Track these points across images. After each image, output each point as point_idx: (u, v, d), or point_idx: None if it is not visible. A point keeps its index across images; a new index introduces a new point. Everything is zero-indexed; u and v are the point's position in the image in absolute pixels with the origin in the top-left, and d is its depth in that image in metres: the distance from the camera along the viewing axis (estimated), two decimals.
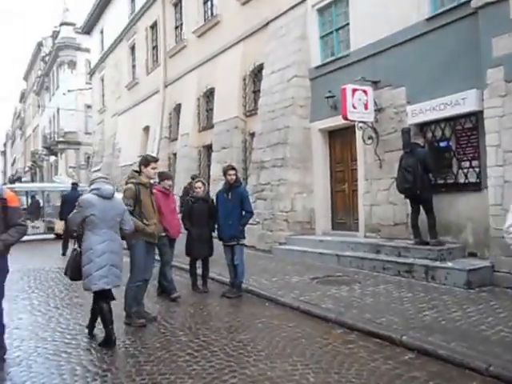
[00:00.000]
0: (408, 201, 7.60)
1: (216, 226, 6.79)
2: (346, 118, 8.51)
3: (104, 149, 24.55)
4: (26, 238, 15.19)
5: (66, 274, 4.89)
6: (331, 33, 10.20)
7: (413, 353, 4.11)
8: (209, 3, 14.96)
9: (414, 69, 8.02)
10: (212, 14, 14.67)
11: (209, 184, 13.17)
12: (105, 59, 24.80)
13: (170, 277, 6.61)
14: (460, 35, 7.27)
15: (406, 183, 7.20)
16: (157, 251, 6.40)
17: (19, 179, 49.04)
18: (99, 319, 4.74)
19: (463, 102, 7.12)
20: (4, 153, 77.08)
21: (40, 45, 42.74)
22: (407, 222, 7.88)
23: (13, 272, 9.05)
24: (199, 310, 5.93)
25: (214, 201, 6.91)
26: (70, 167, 32.55)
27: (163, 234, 6.40)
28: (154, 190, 6.17)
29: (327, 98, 9.60)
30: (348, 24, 9.60)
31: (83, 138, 33.12)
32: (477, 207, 7.05)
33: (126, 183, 5.34)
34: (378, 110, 8.66)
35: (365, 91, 8.50)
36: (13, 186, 23.98)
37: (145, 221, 5.15)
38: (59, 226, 14.23)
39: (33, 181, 44.57)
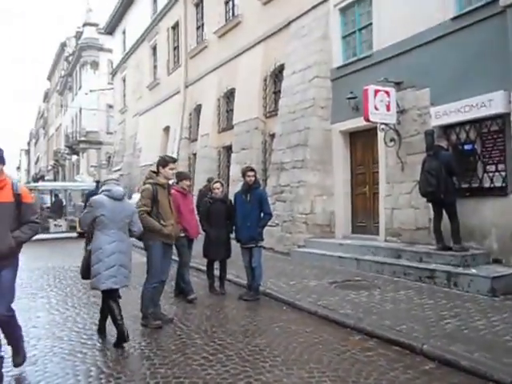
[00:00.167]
0: (430, 205, 7.41)
1: (234, 228, 6.74)
2: (367, 120, 8.36)
3: (125, 148, 24.78)
4: (48, 236, 15.49)
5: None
6: (354, 33, 10.06)
7: (434, 363, 3.96)
8: (230, 3, 14.95)
9: (438, 69, 7.83)
10: (233, 14, 14.65)
11: (228, 185, 13.18)
12: (126, 60, 25.06)
13: (188, 278, 6.58)
14: (487, 35, 7.06)
15: (429, 187, 7.02)
16: (175, 251, 6.41)
17: (42, 178, 50.02)
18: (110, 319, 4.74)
19: (489, 104, 6.92)
20: (28, 151, 78.79)
21: (63, 45, 43.51)
22: (429, 227, 7.69)
23: (33, 270, 9.34)
24: (216, 312, 5.88)
25: (233, 202, 6.86)
26: (92, 166, 33.02)
27: (182, 235, 6.38)
28: (172, 191, 6.16)
29: (349, 99, 9.46)
30: (371, 24, 9.44)
31: (104, 138, 33.55)
32: (502, 212, 6.84)
33: (144, 183, 5.33)
34: (401, 112, 8.49)
35: (387, 92, 8.33)
36: (36, 184, 24.51)
37: (162, 221, 5.12)
38: None
39: (55, 179, 45.42)
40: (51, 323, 5.45)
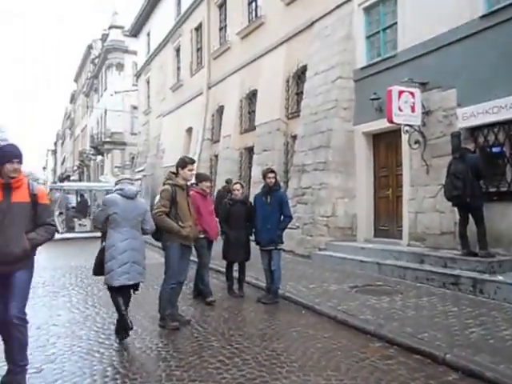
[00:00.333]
0: (456, 209, 7.20)
1: (253, 230, 6.68)
2: (391, 121, 8.20)
3: (148, 149, 25.04)
4: (73, 235, 15.74)
5: None
6: (378, 32, 9.90)
7: (457, 373, 3.81)
8: (253, 4, 14.93)
9: (465, 69, 7.61)
10: (256, 14, 14.62)
11: (249, 187, 13.15)
12: (151, 61, 25.34)
13: (207, 280, 6.56)
14: None
15: (455, 190, 6.81)
16: (194, 253, 6.40)
17: (68, 178, 50.99)
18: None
19: None
20: (55, 152, 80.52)
21: (90, 47, 44.31)
22: (455, 232, 7.47)
23: (56, 269, 9.48)
24: (233, 315, 5.83)
25: (253, 203, 6.81)
26: (116, 167, 33.48)
27: (202, 236, 6.36)
28: (192, 192, 6.14)
29: (372, 100, 9.31)
30: (396, 23, 9.27)
31: (129, 139, 33.96)
32: None
33: (163, 184, 5.32)
34: (426, 113, 8.29)
35: (412, 93, 8.15)
36: (62, 184, 24.94)
37: (180, 223, 5.09)
38: None
39: (80, 180, 46.25)
40: (71, 321, 5.50)
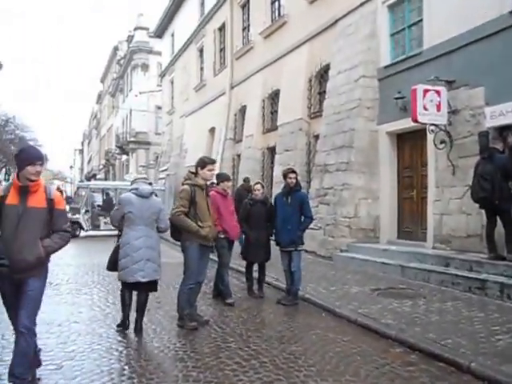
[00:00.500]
0: (483, 211, 6.98)
1: (274, 230, 6.62)
2: (415, 121, 8.03)
3: (172, 149, 25.25)
4: (98, 233, 15.99)
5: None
6: (403, 30, 9.70)
7: (482, 383, 3.67)
8: (276, 3, 14.87)
9: (494, 67, 7.37)
10: (279, 14, 14.55)
11: (271, 186, 13.10)
12: (175, 62, 25.54)
13: (227, 280, 6.53)
14: None
15: (483, 192, 6.60)
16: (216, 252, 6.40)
17: (94, 176, 51.98)
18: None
19: None
20: (81, 151, 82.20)
21: (116, 49, 45.01)
22: (482, 234, 7.25)
23: (79, 266, 9.62)
24: (252, 316, 5.78)
25: (273, 203, 6.75)
26: (140, 166, 33.91)
27: (222, 236, 6.34)
28: (212, 192, 6.12)
29: (396, 99, 9.13)
30: (421, 20, 9.06)
31: (153, 138, 34.34)
32: None
33: (183, 184, 5.31)
34: (452, 112, 8.07)
35: (438, 92, 7.95)
36: (88, 183, 25.40)
37: (199, 223, 5.07)
38: None
39: (106, 178, 47.03)
40: (92, 319, 5.54)
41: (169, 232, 5.34)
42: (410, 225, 9.53)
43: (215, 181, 6.82)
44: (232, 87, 17.83)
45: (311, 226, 6.81)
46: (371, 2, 10.30)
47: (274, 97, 14.81)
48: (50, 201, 3.42)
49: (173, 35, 26.00)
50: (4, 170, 37.47)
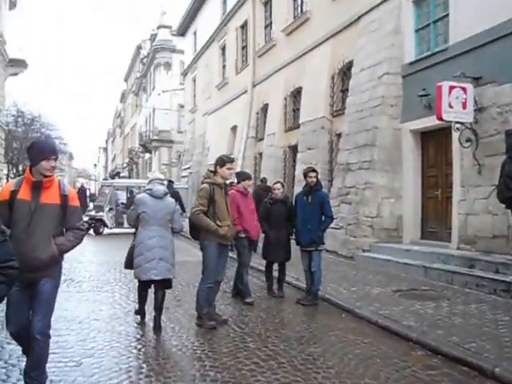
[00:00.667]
0: (510, 212, 6.76)
1: (294, 230, 6.57)
2: (440, 119, 7.83)
3: (194, 147, 25.37)
4: (122, 230, 16.20)
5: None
6: (428, 25, 9.47)
7: None
8: (299, 0, 14.74)
9: None
10: (301, 10, 14.42)
11: (293, 185, 13.02)
12: (197, 60, 25.65)
13: (246, 279, 6.50)
14: None
15: (509, 192, 6.37)
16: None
17: (118, 174, 52.72)
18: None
19: None
20: (106, 149, 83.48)
21: (139, 48, 45.47)
22: (508, 235, 7.05)
23: (102, 263, 9.75)
24: (271, 316, 5.74)
25: (293, 203, 6.69)
26: (163, 164, 34.25)
27: (243, 235, 6.32)
28: (232, 191, 6.11)
29: (421, 96, 8.92)
30: (447, 15, 8.83)
31: (176, 137, 34.58)
32: None
33: (202, 183, 5.31)
34: (479, 110, 7.84)
35: (464, 89, 7.74)
36: (112, 181, 25.79)
37: (218, 222, 5.06)
38: None
39: (129, 176, 47.66)
40: (112, 317, 5.59)
41: (188, 230, 5.37)
42: (434, 225, 9.33)
43: (235, 180, 6.80)
44: (254, 85, 17.79)
45: (332, 225, 6.73)
46: None
47: (296, 95, 14.71)
48: (64, 197, 3.24)
49: (195, 33, 26.11)
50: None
